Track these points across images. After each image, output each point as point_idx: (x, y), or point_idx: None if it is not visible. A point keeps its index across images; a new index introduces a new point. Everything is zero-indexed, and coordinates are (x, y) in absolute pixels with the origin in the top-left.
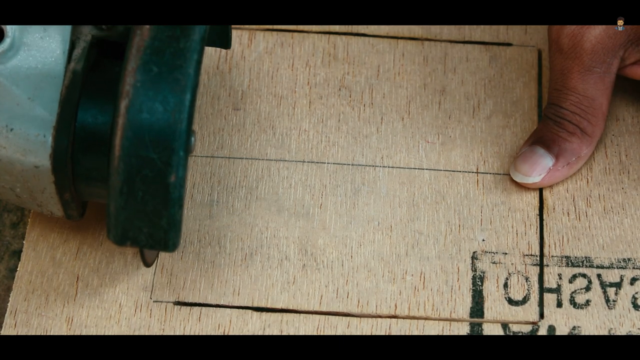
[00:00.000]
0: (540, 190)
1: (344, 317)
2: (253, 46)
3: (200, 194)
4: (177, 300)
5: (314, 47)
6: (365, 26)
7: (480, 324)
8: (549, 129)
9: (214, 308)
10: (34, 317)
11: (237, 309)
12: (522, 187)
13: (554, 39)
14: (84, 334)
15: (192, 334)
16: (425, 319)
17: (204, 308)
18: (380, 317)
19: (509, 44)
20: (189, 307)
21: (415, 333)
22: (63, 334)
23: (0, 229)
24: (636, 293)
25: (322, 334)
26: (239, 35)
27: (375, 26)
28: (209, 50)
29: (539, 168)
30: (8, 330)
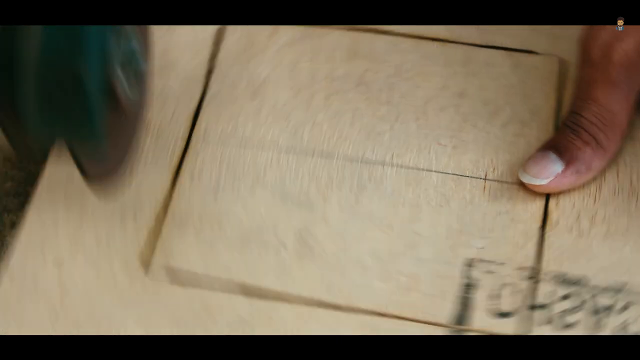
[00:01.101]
0: (546, 203)
1: (332, 311)
2: (275, 38)
3: (207, 178)
4: (171, 279)
5: (337, 43)
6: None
7: (465, 333)
8: (565, 136)
9: (207, 290)
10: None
11: (228, 293)
12: (528, 198)
13: (585, 48)
14: (76, 304)
15: (181, 314)
16: (412, 320)
17: (197, 290)
18: (368, 313)
19: (533, 52)
20: (182, 288)
21: (401, 334)
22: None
23: (0, 229)
24: (627, 319)
25: (309, 325)
26: (263, 27)
27: (399, 25)
28: (229, 41)
29: (547, 172)
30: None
